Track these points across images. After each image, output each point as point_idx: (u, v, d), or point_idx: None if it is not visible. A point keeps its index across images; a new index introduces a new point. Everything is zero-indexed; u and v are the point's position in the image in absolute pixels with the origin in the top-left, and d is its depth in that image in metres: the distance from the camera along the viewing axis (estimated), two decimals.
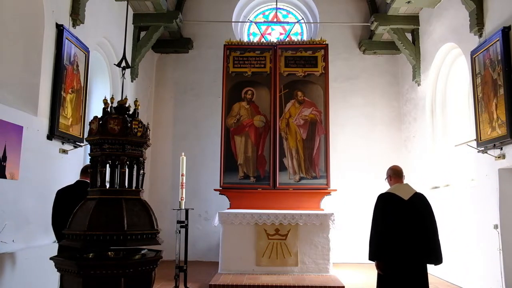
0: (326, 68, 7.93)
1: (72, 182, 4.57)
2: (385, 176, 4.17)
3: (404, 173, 4.15)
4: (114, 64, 4.99)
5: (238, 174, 7.67)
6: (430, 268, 6.81)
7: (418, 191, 3.94)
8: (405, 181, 4.05)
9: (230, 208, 7.44)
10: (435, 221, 3.83)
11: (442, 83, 7.62)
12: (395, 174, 4.05)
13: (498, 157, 5.39)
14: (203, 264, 8.17)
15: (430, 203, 3.91)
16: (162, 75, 9.46)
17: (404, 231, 3.70)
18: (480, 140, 5.74)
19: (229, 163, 7.67)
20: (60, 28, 5.39)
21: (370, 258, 3.81)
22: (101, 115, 3.25)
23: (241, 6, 9.80)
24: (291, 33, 9.97)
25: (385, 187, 4.14)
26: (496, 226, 5.42)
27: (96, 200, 3.09)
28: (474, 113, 5.96)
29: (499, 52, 5.28)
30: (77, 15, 5.78)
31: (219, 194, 7.70)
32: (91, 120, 3.23)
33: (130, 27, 8.03)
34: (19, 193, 4.61)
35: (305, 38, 9.89)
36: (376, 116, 9.17)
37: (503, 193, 5.38)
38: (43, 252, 4.67)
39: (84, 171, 4.79)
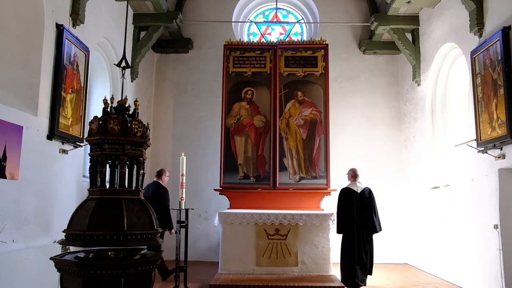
0: (326, 68, 7.92)
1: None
2: (348, 174, 6.36)
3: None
4: (114, 64, 4.99)
5: (238, 174, 7.66)
6: (430, 267, 7.26)
7: (366, 186, 6.19)
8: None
9: (230, 208, 7.44)
10: (375, 205, 6.06)
11: (442, 83, 7.62)
12: (354, 174, 6.28)
13: (498, 157, 5.39)
14: (203, 264, 8.17)
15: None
16: (162, 75, 9.46)
17: (357, 212, 5.93)
18: (480, 140, 5.74)
19: (229, 163, 7.66)
20: (60, 28, 5.38)
21: (338, 232, 6.06)
22: (101, 115, 3.25)
23: (241, 6, 9.80)
24: (291, 33, 9.97)
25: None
26: (496, 226, 5.41)
27: (96, 200, 3.09)
28: (474, 113, 5.96)
29: (499, 52, 5.27)
30: (77, 15, 5.77)
31: (219, 194, 7.69)
32: (91, 120, 3.23)
33: (130, 27, 8.03)
34: (19, 193, 4.61)
35: (305, 38, 9.89)
36: (376, 116, 9.16)
37: (503, 193, 5.38)
38: (43, 252, 4.68)
39: (157, 174, 6.62)
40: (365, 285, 5.96)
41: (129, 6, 7.64)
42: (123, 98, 3.35)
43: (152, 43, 8.27)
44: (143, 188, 3.52)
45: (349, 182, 6.30)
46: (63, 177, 5.59)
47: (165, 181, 6.75)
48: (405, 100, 8.95)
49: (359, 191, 6.05)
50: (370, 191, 6.11)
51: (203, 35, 9.41)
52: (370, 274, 5.99)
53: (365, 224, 5.91)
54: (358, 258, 5.82)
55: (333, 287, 5.74)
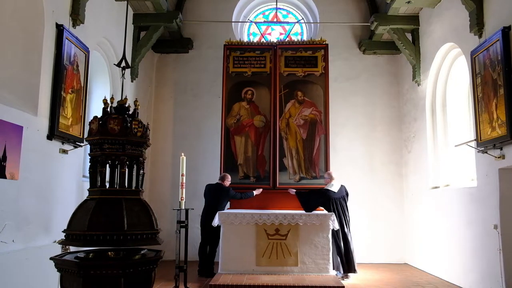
0: (326, 68, 7.92)
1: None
2: (326, 177, 7.23)
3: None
4: (114, 64, 4.99)
5: (238, 174, 7.66)
6: (430, 267, 7.24)
7: (342, 184, 7.15)
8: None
9: (230, 208, 7.44)
10: (347, 199, 7.14)
11: (442, 83, 7.62)
12: (330, 177, 7.14)
13: (498, 157, 5.39)
14: None
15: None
16: (162, 75, 9.46)
17: (335, 206, 6.88)
18: (480, 140, 5.74)
19: (229, 163, 7.66)
20: (60, 28, 5.38)
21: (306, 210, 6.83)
22: (101, 115, 3.25)
23: (241, 6, 9.80)
24: (291, 33, 9.97)
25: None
26: (496, 226, 5.42)
27: (96, 200, 3.09)
28: (474, 113, 5.96)
29: (499, 52, 5.28)
30: (77, 15, 5.77)
31: None
32: (91, 120, 3.23)
33: (130, 27, 8.03)
34: (19, 193, 4.61)
35: (305, 38, 9.89)
36: (376, 116, 9.17)
37: (503, 193, 5.38)
38: (43, 252, 4.68)
39: (221, 178, 7.27)
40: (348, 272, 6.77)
41: (129, 6, 7.64)
42: (123, 98, 3.35)
43: (152, 43, 8.27)
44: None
45: (326, 184, 7.10)
46: (63, 177, 5.59)
47: (226, 185, 7.26)
48: (405, 100, 8.95)
49: (336, 190, 6.96)
50: (345, 187, 7.12)
51: (203, 35, 9.40)
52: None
53: (343, 212, 6.96)
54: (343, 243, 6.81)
55: (333, 287, 5.74)
